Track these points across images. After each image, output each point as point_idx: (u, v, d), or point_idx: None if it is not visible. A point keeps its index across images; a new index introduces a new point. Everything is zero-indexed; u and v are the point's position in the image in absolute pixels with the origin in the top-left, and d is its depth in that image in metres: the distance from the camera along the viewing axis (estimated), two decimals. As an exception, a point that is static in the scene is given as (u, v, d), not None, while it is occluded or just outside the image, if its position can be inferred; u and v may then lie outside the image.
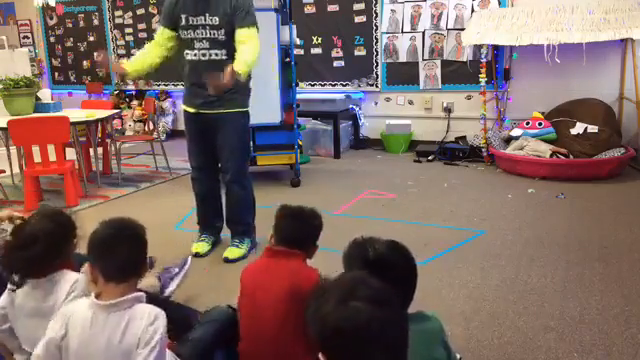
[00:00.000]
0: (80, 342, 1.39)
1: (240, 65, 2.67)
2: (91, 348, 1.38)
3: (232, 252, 3.04)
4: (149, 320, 1.39)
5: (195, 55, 2.90)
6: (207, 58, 2.87)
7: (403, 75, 6.01)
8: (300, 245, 1.85)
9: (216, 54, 2.87)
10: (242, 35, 2.80)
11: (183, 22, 2.88)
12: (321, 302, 1.02)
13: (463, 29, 5.37)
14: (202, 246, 3.15)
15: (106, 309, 1.41)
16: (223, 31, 2.83)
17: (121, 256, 1.46)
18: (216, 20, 2.82)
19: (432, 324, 1.40)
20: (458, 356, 1.62)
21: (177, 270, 2.42)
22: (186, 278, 2.48)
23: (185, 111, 3.07)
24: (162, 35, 3.00)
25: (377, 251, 1.39)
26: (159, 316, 1.42)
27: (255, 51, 2.80)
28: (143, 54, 3.08)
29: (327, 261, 2.91)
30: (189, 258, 2.57)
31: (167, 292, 2.25)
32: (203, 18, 2.83)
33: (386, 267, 1.35)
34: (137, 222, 1.61)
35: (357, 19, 6.08)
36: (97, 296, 1.44)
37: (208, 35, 2.84)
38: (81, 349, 1.39)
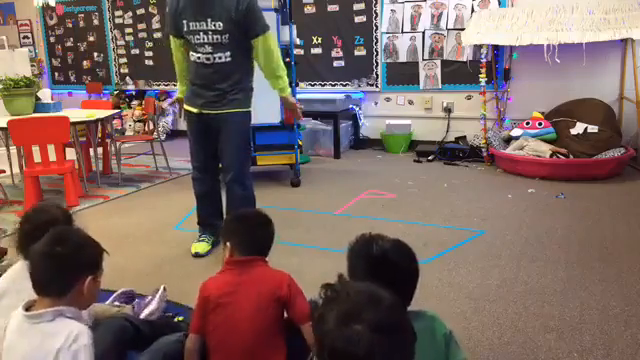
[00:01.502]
0: (6, 348, 1.42)
1: (286, 90, 3.04)
2: (12, 355, 1.40)
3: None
4: (69, 339, 1.36)
5: (199, 58, 2.91)
6: (212, 62, 2.89)
7: (403, 75, 6.01)
8: (264, 252, 1.81)
9: (220, 57, 2.88)
10: (264, 47, 2.89)
11: (185, 28, 2.89)
12: (326, 312, 0.96)
13: (463, 29, 5.37)
14: (202, 246, 3.14)
15: (29, 319, 1.41)
16: (227, 35, 2.84)
17: (46, 274, 1.43)
18: (220, 25, 2.82)
19: (423, 324, 1.38)
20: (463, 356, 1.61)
21: (150, 298, 2.37)
22: (163, 304, 2.39)
23: (187, 111, 3.07)
24: (175, 44, 3.07)
25: (381, 248, 1.39)
26: (81, 333, 1.39)
27: (280, 60, 2.98)
28: (181, 73, 3.22)
29: (328, 260, 2.93)
30: (162, 287, 2.47)
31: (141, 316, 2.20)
32: (205, 24, 2.83)
33: (388, 265, 1.36)
34: (78, 236, 1.55)
35: (357, 19, 6.08)
36: (31, 304, 1.44)
37: (211, 40, 2.85)
38: (5, 355, 1.41)
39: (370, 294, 1.00)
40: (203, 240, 3.18)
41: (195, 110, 3.01)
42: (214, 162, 3.11)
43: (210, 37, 2.84)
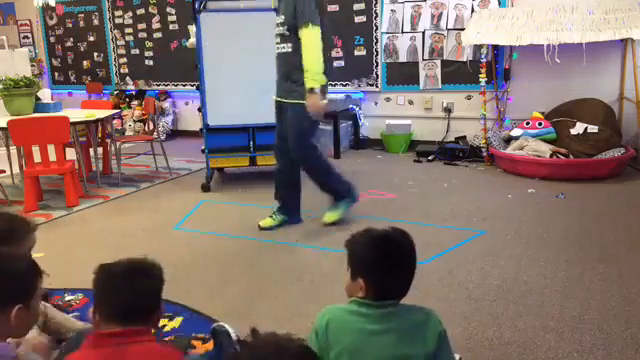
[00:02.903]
0: None
1: (309, 83, 3.08)
2: None
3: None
4: None
5: (276, 48, 3.35)
6: (279, 51, 3.30)
7: (403, 75, 6.01)
8: (143, 316, 1.33)
9: (283, 47, 3.27)
10: (302, 39, 3.13)
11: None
12: None
13: (463, 29, 5.36)
14: (266, 221, 3.51)
15: None
16: (286, 27, 3.21)
17: None
18: (282, 18, 3.23)
19: (419, 317, 1.41)
20: (457, 356, 1.62)
21: None
22: None
23: None
24: None
25: (383, 230, 1.46)
26: None
27: (315, 55, 3.10)
28: None
29: (328, 260, 2.93)
30: None
31: None
32: (278, 18, 3.29)
33: (393, 244, 1.42)
34: (3, 262, 1.39)
35: (357, 19, 6.08)
36: None
37: (279, 31, 3.28)
38: None
39: (276, 344, 0.97)
40: (271, 216, 3.54)
41: (273, 98, 3.48)
42: (286, 146, 3.42)
43: (279, 28, 3.27)
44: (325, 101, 3.21)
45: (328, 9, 6.16)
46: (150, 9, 7.39)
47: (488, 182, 4.61)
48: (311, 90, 3.09)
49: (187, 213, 3.91)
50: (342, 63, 6.26)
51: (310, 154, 3.40)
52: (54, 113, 4.72)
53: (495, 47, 5.32)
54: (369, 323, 1.35)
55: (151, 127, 6.61)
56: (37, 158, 4.19)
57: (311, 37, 3.08)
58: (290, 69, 3.22)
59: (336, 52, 6.26)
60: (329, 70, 3.25)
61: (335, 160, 5.70)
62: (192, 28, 4.46)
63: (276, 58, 3.35)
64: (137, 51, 7.66)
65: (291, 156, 3.39)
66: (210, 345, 2.09)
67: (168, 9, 7.24)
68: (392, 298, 1.40)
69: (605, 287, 2.52)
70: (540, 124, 4.88)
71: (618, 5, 4.54)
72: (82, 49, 8.16)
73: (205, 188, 4.54)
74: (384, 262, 1.39)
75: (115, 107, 6.38)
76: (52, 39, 8.40)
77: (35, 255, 1.54)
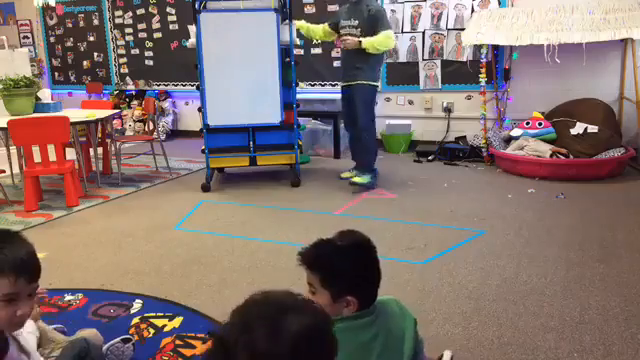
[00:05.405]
0: None
1: (366, 41, 4.08)
2: None
3: (358, 179, 4.35)
4: None
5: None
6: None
7: (403, 75, 6.01)
8: None
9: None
10: (379, 33, 4.11)
11: (340, 24, 4.36)
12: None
13: (463, 29, 5.37)
14: (346, 174, 4.55)
15: None
16: (359, 30, 4.18)
17: None
18: (356, 22, 4.20)
19: (392, 311, 1.41)
20: (449, 353, 1.62)
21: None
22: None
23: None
24: (324, 28, 4.58)
25: (347, 239, 1.39)
26: None
27: (383, 41, 4.09)
28: (317, 29, 4.65)
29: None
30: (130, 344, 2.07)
31: (106, 345, 1.99)
32: (349, 22, 4.25)
33: (365, 248, 1.37)
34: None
35: (357, 19, 6.07)
36: None
37: (350, 32, 4.22)
38: None
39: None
40: (350, 170, 4.56)
41: (342, 84, 4.46)
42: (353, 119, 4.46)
43: (350, 30, 4.24)
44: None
45: (328, 9, 6.18)
46: (150, 9, 7.39)
47: (488, 182, 4.61)
48: (359, 42, 4.10)
49: (187, 213, 3.91)
50: (342, 63, 6.25)
51: (370, 133, 4.41)
52: (54, 113, 4.72)
53: (495, 47, 5.32)
54: (363, 334, 1.32)
55: (151, 127, 6.61)
56: (37, 158, 4.19)
57: (389, 37, 4.12)
58: (356, 59, 4.20)
59: (336, 52, 6.25)
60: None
61: (335, 160, 5.71)
62: (192, 28, 4.46)
63: (342, 51, 4.39)
64: (137, 51, 7.66)
65: (359, 127, 4.33)
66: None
67: (168, 9, 7.24)
68: (374, 301, 1.37)
69: (605, 287, 2.52)
70: (540, 124, 4.88)
71: (618, 5, 4.54)
72: (82, 49, 8.16)
73: (205, 188, 4.54)
74: (371, 270, 1.36)
75: (115, 107, 6.38)
76: (52, 39, 8.40)
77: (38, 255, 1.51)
